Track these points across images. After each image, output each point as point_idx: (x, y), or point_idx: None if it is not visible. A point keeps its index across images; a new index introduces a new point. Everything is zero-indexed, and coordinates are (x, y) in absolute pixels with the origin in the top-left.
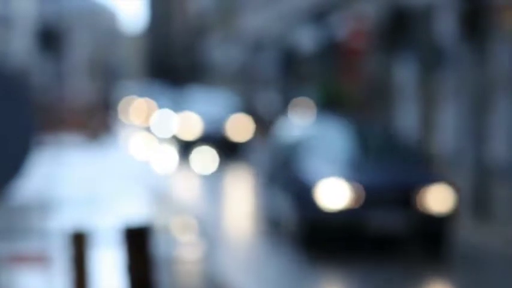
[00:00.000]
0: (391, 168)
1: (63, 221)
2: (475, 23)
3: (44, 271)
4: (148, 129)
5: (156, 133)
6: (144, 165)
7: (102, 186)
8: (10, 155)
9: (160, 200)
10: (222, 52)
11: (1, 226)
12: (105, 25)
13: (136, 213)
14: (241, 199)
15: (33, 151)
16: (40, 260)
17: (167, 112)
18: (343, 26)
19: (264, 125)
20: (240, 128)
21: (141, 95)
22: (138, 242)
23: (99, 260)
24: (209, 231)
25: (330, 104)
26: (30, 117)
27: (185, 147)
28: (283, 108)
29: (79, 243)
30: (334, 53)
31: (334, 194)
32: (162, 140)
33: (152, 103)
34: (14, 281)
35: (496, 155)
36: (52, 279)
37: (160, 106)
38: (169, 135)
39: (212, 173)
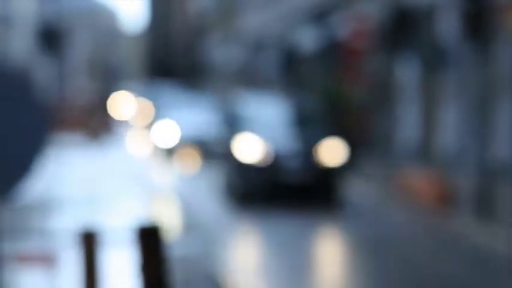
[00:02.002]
0: None
1: (66, 220)
2: (477, 23)
3: (49, 271)
4: (150, 131)
5: (159, 142)
6: (144, 166)
7: (103, 186)
8: (17, 155)
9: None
10: (222, 52)
11: (4, 226)
12: (105, 25)
13: (137, 213)
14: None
15: (43, 152)
16: (45, 259)
17: (171, 120)
18: (344, 26)
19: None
20: (330, 152)
21: (144, 97)
22: (151, 241)
23: (107, 260)
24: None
25: (332, 104)
26: (39, 117)
27: (247, 173)
28: None
29: (89, 242)
30: (335, 53)
31: None
32: (164, 149)
33: (152, 107)
34: (19, 281)
35: (498, 155)
36: (58, 279)
37: (167, 111)
38: (171, 145)
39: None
